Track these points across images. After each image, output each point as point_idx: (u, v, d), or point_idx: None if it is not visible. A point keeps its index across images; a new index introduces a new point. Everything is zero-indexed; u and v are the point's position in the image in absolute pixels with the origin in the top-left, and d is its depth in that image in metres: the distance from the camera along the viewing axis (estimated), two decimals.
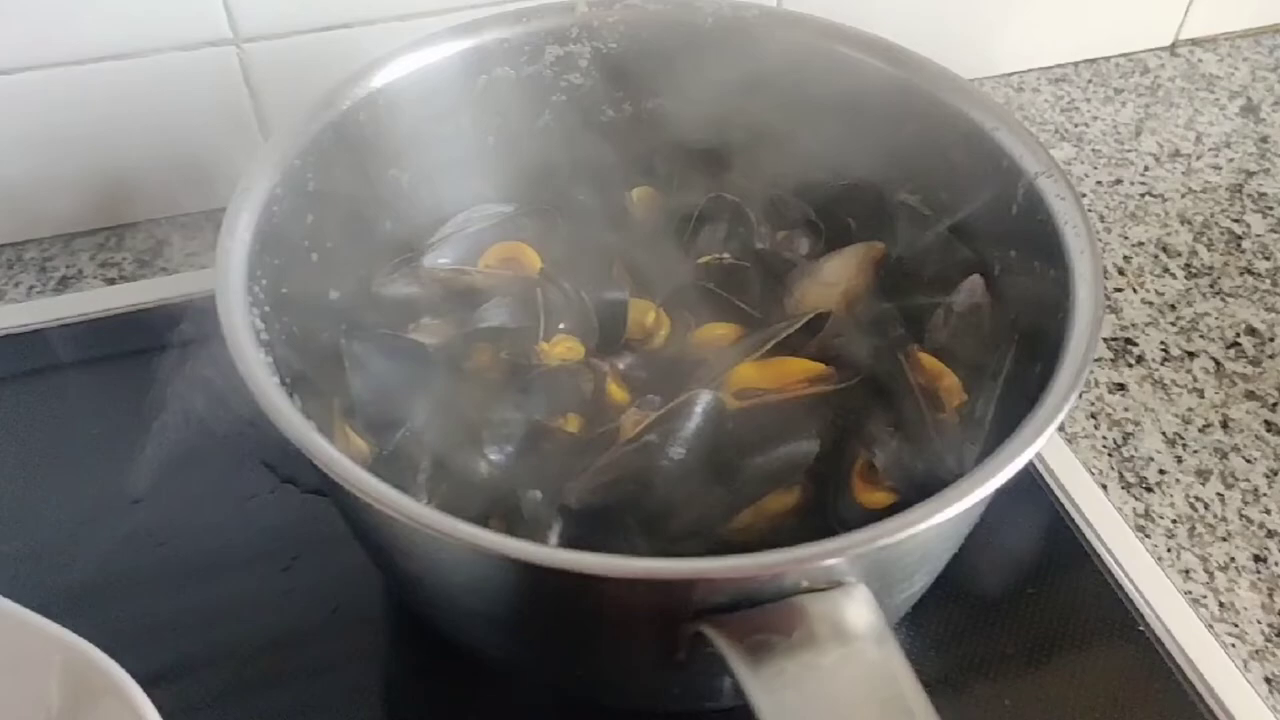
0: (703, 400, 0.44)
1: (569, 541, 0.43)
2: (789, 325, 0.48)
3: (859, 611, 0.35)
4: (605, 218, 0.57)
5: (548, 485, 0.45)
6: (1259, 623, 0.52)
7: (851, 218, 0.55)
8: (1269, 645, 0.51)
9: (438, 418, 0.48)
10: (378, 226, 0.55)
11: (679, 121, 0.58)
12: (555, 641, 0.42)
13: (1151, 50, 0.87)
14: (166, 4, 0.63)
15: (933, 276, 0.52)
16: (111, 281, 0.68)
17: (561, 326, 0.51)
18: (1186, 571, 0.54)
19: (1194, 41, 0.88)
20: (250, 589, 0.53)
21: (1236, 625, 0.52)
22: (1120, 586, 0.53)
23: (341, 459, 0.36)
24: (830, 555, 0.34)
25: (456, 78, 0.55)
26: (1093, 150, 0.79)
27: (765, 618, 0.34)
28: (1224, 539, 0.56)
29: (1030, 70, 0.85)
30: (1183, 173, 0.77)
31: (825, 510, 0.46)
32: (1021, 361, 0.47)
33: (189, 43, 0.65)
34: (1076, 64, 0.86)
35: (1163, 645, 0.51)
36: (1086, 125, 0.81)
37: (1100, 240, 0.72)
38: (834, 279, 0.52)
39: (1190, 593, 0.53)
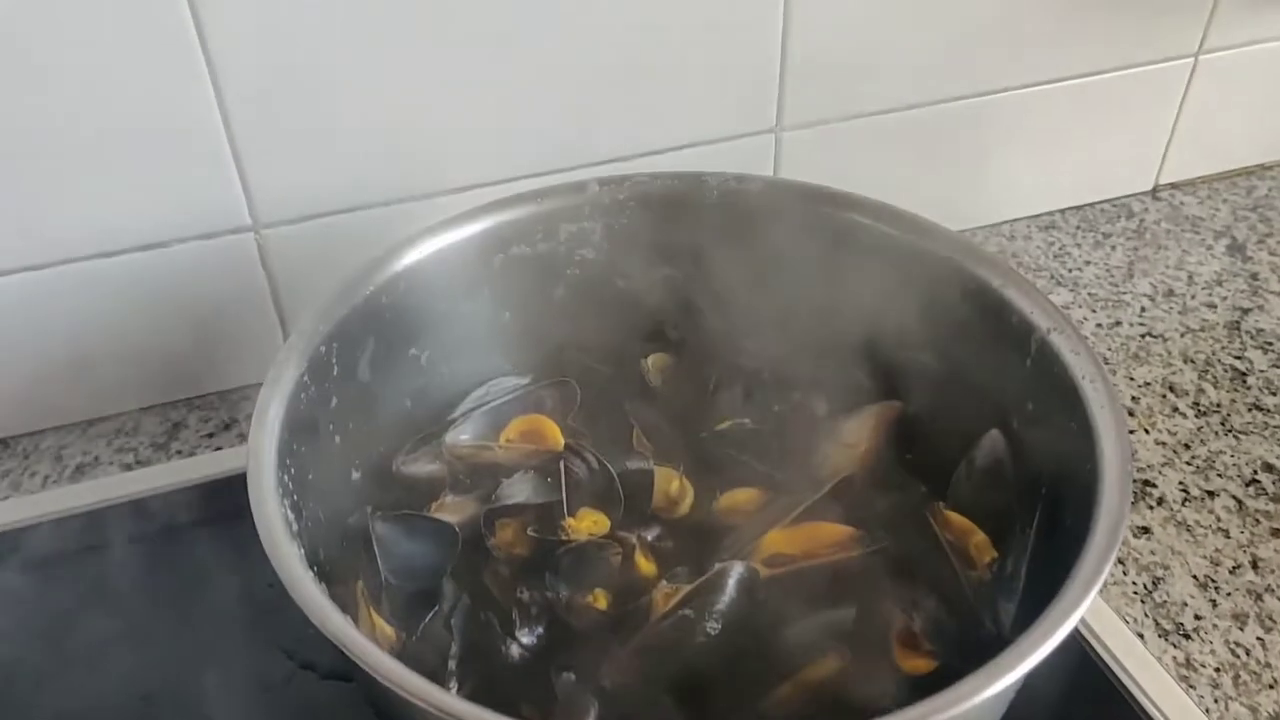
0: (736, 572, 0.44)
1: None
2: (815, 492, 0.48)
3: None
4: (623, 386, 0.58)
5: (581, 666, 0.45)
6: None
7: (866, 379, 0.56)
8: None
9: (465, 600, 0.48)
10: (398, 405, 0.56)
11: (690, 289, 0.60)
12: None
13: (1134, 195, 0.90)
14: (189, 194, 0.65)
15: (951, 433, 0.52)
16: (128, 467, 0.68)
17: (586, 500, 0.50)
18: None
19: (1174, 185, 0.91)
20: None
21: None
22: None
23: (375, 650, 0.36)
24: None
25: (475, 257, 0.57)
26: (1089, 294, 0.81)
27: None
28: (1270, 686, 0.55)
29: (1019, 219, 0.88)
30: (1179, 312, 0.79)
31: (865, 679, 0.45)
32: (1051, 515, 0.47)
33: (210, 231, 0.67)
34: (1063, 210, 0.89)
35: None
36: (1080, 270, 0.83)
37: None
38: (854, 440, 0.52)
39: None
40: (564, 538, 0.48)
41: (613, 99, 0.69)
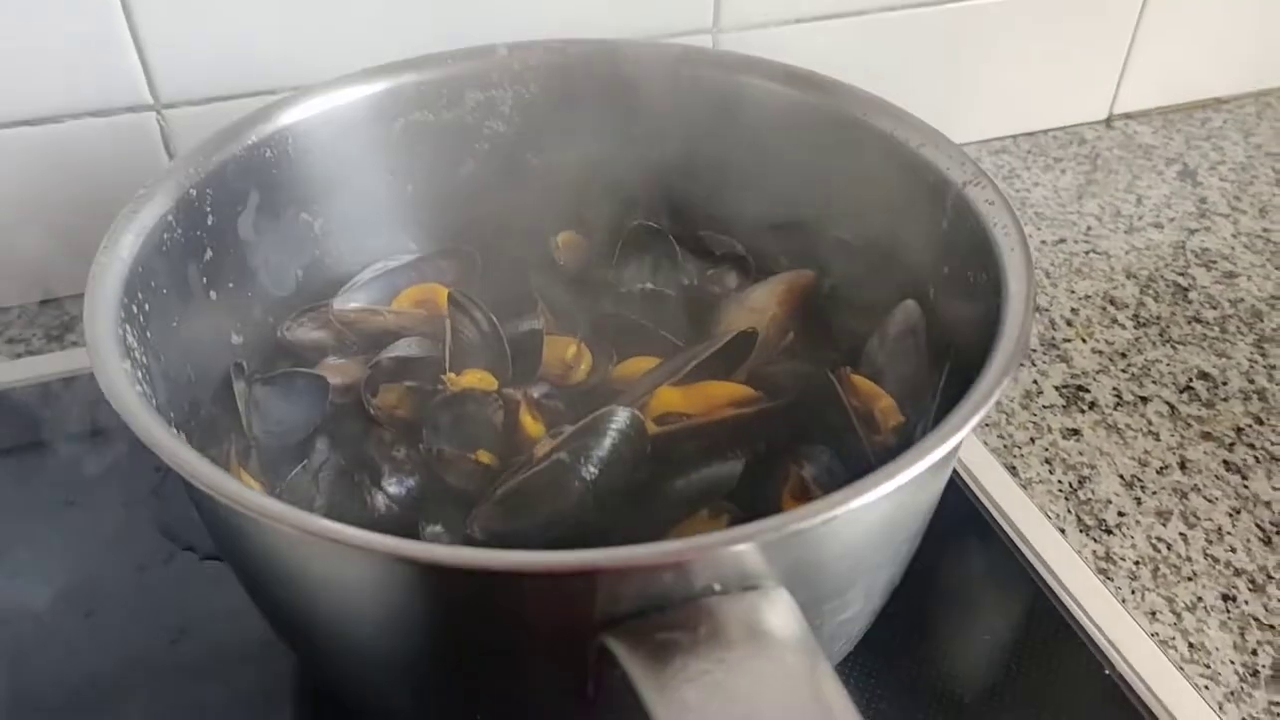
0: (619, 417, 0.41)
1: None
2: (712, 345, 0.45)
3: (778, 616, 0.31)
4: (529, 264, 0.55)
5: (451, 519, 0.42)
6: (1232, 663, 0.48)
7: (782, 254, 0.53)
8: (1244, 686, 0.47)
9: (337, 455, 0.45)
10: (287, 272, 0.53)
11: (605, 165, 0.57)
12: (452, 683, 0.37)
13: (1087, 124, 0.88)
14: (84, 68, 0.62)
15: (866, 304, 0.50)
16: (18, 356, 0.65)
17: (473, 361, 0.47)
18: (1153, 613, 0.51)
19: (1128, 115, 0.89)
20: (132, 665, 0.48)
21: (1209, 666, 0.48)
22: (1085, 630, 0.49)
23: (201, 462, 0.33)
24: (738, 541, 0.30)
25: (370, 121, 0.54)
26: (1035, 213, 0.78)
27: (671, 619, 0.30)
28: (1189, 579, 0.52)
29: (969, 143, 0.85)
30: (1125, 232, 0.76)
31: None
32: (956, 379, 0.44)
33: (108, 108, 0.64)
34: (1015, 136, 0.86)
35: (1133, 690, 0.47)
36: (1028, 191, 0.81)
37: (1046, 294, 0.71)
38: (762, 305, 0.49)
39: (1158, 634, 0.50)
40: (444, 389, 0.45)
41: None
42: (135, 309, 0.41)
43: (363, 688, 0.41)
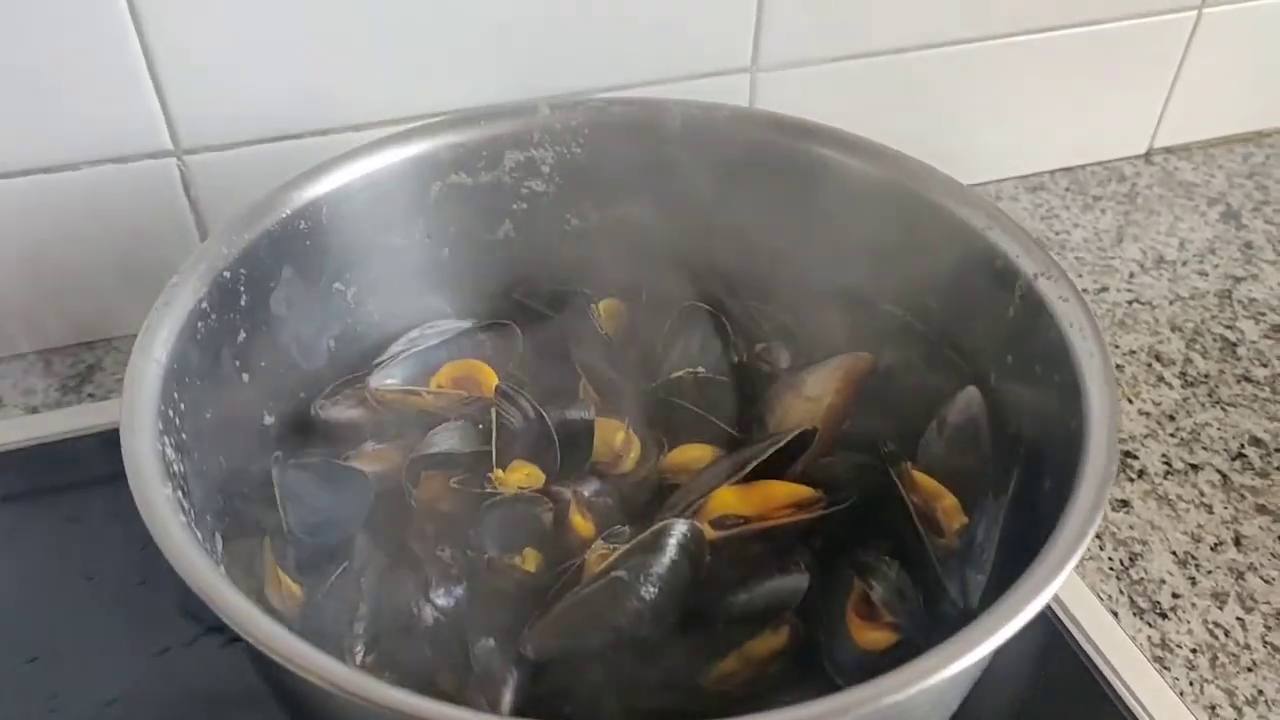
0: (677, 531, 0.39)
1: (527, 699, 0.38)
2: (771, 444, 0.44)
3: None
4: (570, 333, 0.53)
5: (502, 633, 0.40)
6: None
7: (836, 328, 0.51)
8: None
9: (378, 557, 0.43)
10: (319, 345, 0.51)
11: (649, 230, 0.55)
12: None
13: (1126, 159, 0.86)
14: (104, 114, 0.60)
15: (925, 389, 0.48)
16: (34, 410, 0.63)
17: (519, 452, 0.46)
18: (1213, 708, 0.49)
19: (1168, 150, 0.87)
20: None
21: None
22: None
23: (246, 606, 0.31)
24: (833, 716, 0.28)
25: (407, 185, 0.52)
26: (1076, 258, 0.76)
27: None
28: (1249, 669, 0.51)
29: (1006, 179, 0.83)
30: (1169, 279, 0.74)
31: (817, 652, 0.40)
32: (1028, 480, 0.42)
33: (127, 155, 0.61)
34: (1053, 172, 0.84)
35: None
36: (1068, 233, 0.79)
37: None
38: (817, 393, 0.48)
39: None
40: (491, 490, 0.43)
41: (567, 30, 0.64)
42: (172, 413, 0.39)
43: None
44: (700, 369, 0.49)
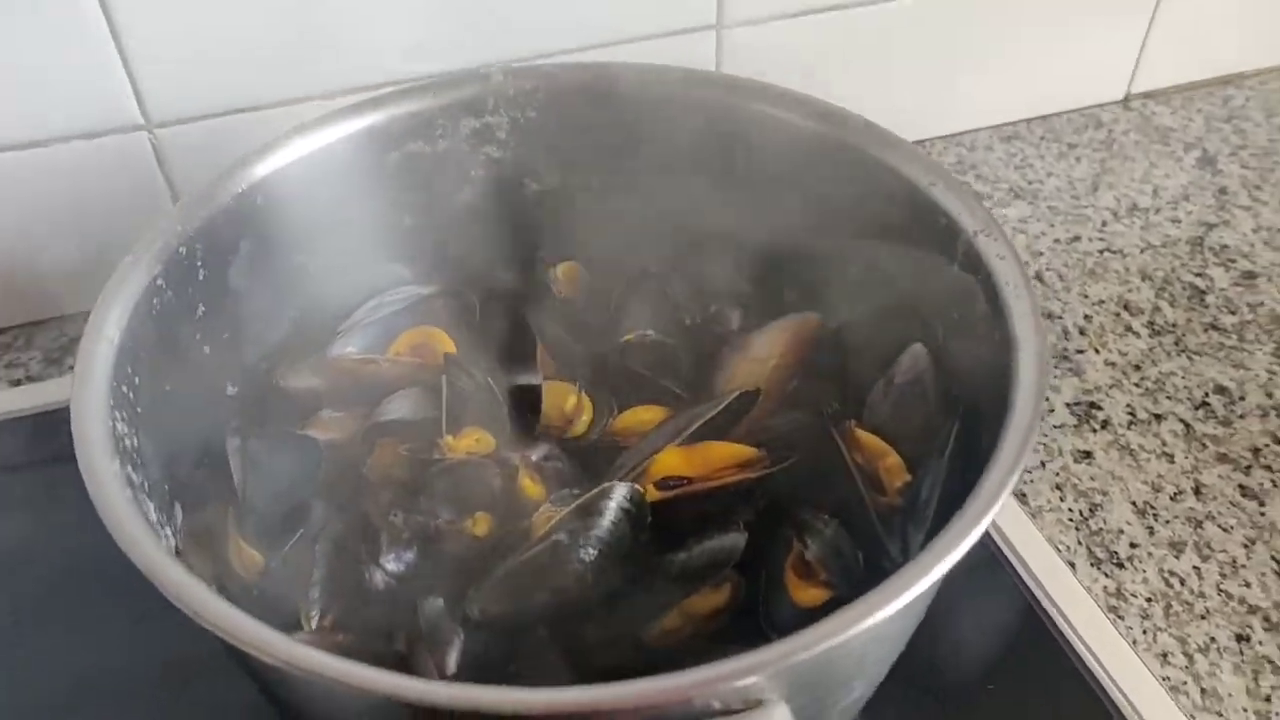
0: (618, 494, 0.40)
1: (472, 659, 0.39)
2: (714, 406, 0.45)
3: None
4: (527, 297, 0.54)
5: (451, 595, 0.42)
6: (1244, 710, 0.48)
7: (786, 287, 0.52)
8: None
9: (333, 523, 0.45)
10: (281, 316, 0.52)
11: (605, 192, 0.55)
12: None
13: (1104, 105, 0.85)
14: (73, 90, 0.60)
15: (872, 348, 0.48)
16: (17, 383, 0.64)
17: (470, 418, 0.47)
18: (1164, 655, 0.50)
19: (1146, 95, 0.86)
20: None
21: (1220, 715, 0.48)
22: (1093, 674, 0.49)
23: (190, 584, 0.32)
24: (741, 675, 0.30)
25: (364, 156, 0.52)
26: (1049, 207, 0.76)
27: None
28: (1203, 617, 0.52)
29: (981, 129, 0.83)
30: (1141, 227, 0.74)
31: (756, 609, 0.41)
32: (967, 437, 0.43)
33: (97, 129, 0.62)
34: (1029, 120, 0.84)
35: None
36: (1041, 182, 0.78)
37: (1060, 299, 0.69)
38: (765, 354, 0.48)
39: (1169, 679, 0.49)
40: (441, 456, 0.45)
41: None
42: (126, 389, 0.40)
43: None
44: (651, 332, 0.50)
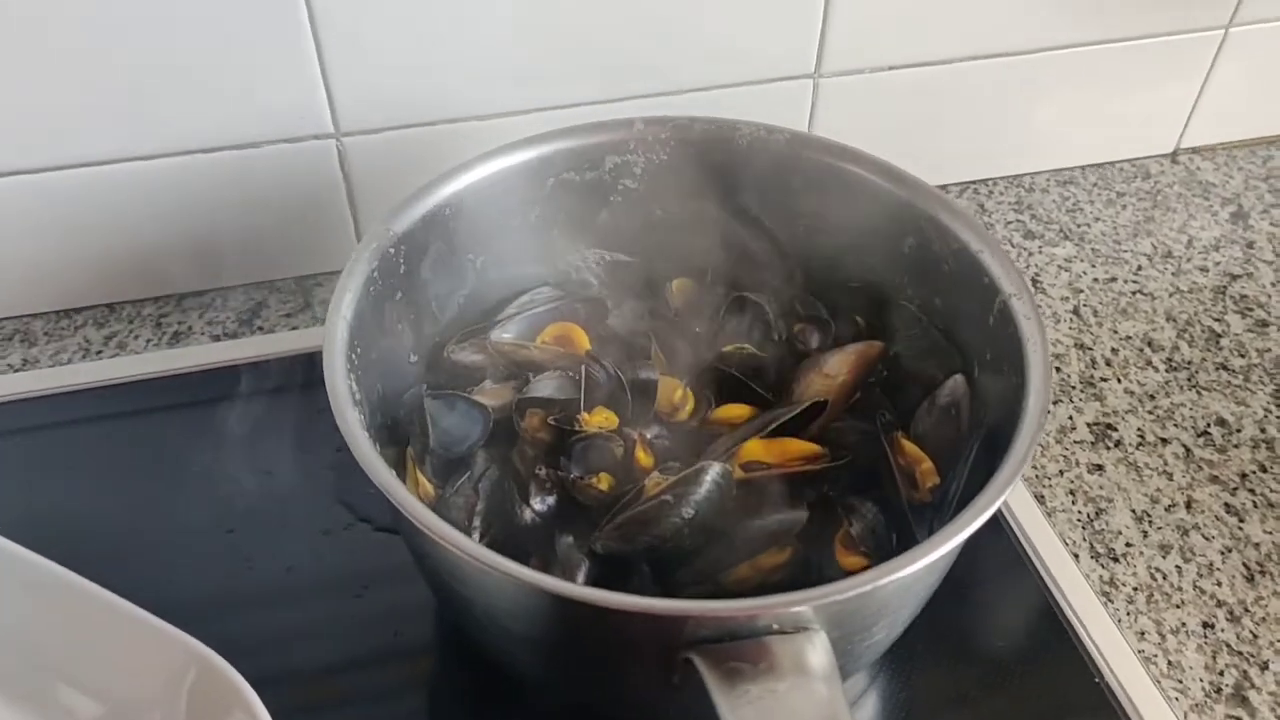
0: (713, 470, 0.53)
1: (593, 581, 0.53)
2: (790, 411, 0.57)
3: (816, 654, 0.43)
4: (647, 305, 0.67)
5: (579, 532, 0.55)
6: (1200, 680, 0.60)
7: (859, 316, 0.64)
8: (1207, 700, 0.59)
9: (493, 470, 0.58)
10: (453, 303, 0.65)
11: (717, 225, 0.68)
12: (575, 662, 0.51)
13: (1154, 157, 0.95)
14: (277, 103, 0.74)
15: (923, 373, 0.61)
16: (216, 339, 0.79)
17: (601, 400, 0.60)
18: (1142, 633, 0.62)
19: (1194, 150, 0.95)
20: (323, 614, 0.62)
21: (1181, 682, 0.59)
22: (1083, 644, 0.61)
23: (416, 502, 0.46)
24: (794, 604, 0.43)
25: (528, 180, 0.65)
26: (1092, 249, 0.87)
27: (741, 650, 0.43)
28: (1178, 606, 0.63)
29: (1040, 172, 0.93)
30: (1173, 273, 0.85)
31: (810, 568, 0.54)
32: (986, 451, 0.55)
33: (295, 136, 0.76)
34: (1084, 167, 0.94)
35: (1116, 698, 0.58)
36: (1089, 225, 0.89)
37: (1092, 332, 0.80)
38: (835, 372, 0.61)
39: (1143, 651, 0.60)
40: (578, 429, 0.58)
41: (646, 37, 0.77)
42: (354, 356, 0.54)
43: (503, 656, 0.55)
44: (746, 345, 0.63)
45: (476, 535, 0.55)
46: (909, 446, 0.58)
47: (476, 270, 0.66)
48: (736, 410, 0.61)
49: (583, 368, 0.60)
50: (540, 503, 0.56)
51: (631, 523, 0.53)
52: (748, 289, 0.67)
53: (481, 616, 0.52)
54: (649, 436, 0.59)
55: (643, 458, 0.58)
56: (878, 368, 0.62)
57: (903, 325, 0.63)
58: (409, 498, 0.47)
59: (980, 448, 0.55)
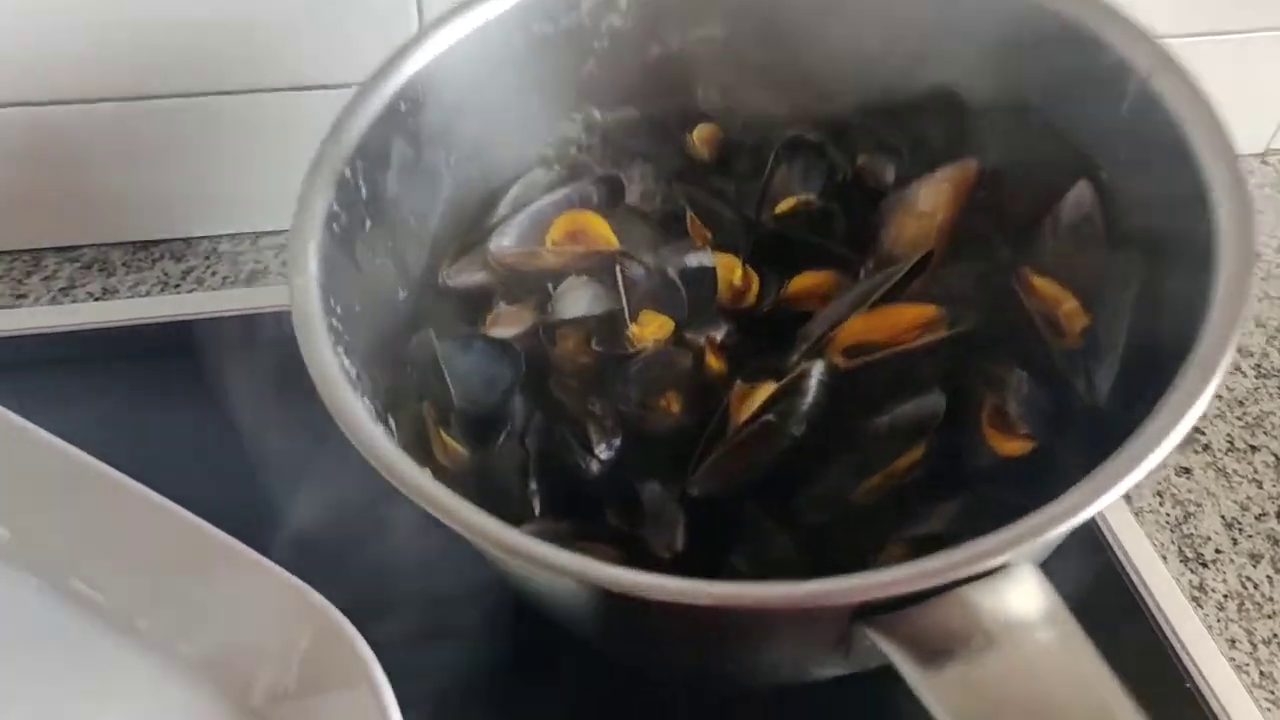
0: (816, 373, 0.42)
1: (696, 534, 0.42)
2: (895, 272, 0.45)
3: (1026, 596, 0.33)
4: (668, 167, 0.54)
5: (664, 475, 0.44)
6: None
7: (935, 132, 0.51)
8: None
9: (538, 416, 0.47)
10: (430, 214, 0.52)
11: (731, 45, 0.54)
12: (705, 659, 0.41)
13: (1244, 157, 0.81)
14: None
15: (1031, 189, 0.48)
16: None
17: (646, 303, 0.48)
18: (1233, 641, 0.55)
19: None
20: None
21: (1273, 693, 0.52)
22: (1172, 646, 0.52)
23: (444, 494, 0.35)
24: (996, 553, 0.32)
25: (493, 44, 0.51)
26: None
27: (929, 615, 0.32)
28: (1269, 617, 0.56)
29: None
30: (1261, 278, 0.74)
31: (954, 459, 0.43)
32: (1151, 274, 0.43)
33: None
34: None
35: (1207, 703, 0.50)
36: None
37: None
38: (930, 207, 0.48)
39: (1234, 659, 0.53)
40: (630, 349, 0.46)
41: None
42: (336, 322, 0.42)
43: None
44: (809, 197, 0.50)
45: (537, 504, 0.44)
46: (1042, 284, 0.46)
47: (451, 167, 0.52)
48: (815, 279, 0.49)
49: (616, 267, 0.48)
50: (605, 447, 0.45)
51: (732, 455, 0.42)
52: (786, 125, 0.53)
53: (562, 615, 0.41)
54: (717, 338, 0.47)
55: (715, 364, 0.46)
56: (978, 193, 0.49)
57: (993, 132, 0.50)
58: (439, 492, 0.35)
59: (1142, 268, 0.43)
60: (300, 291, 0.41)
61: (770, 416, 0.41)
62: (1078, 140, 0.47)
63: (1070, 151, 0.47)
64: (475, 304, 0.51)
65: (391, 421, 0.45)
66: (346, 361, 0.41)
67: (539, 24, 0.52)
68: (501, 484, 0.45)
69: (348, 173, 0.45)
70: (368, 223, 0.47)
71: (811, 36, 0.53)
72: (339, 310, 0.42)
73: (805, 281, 0.49)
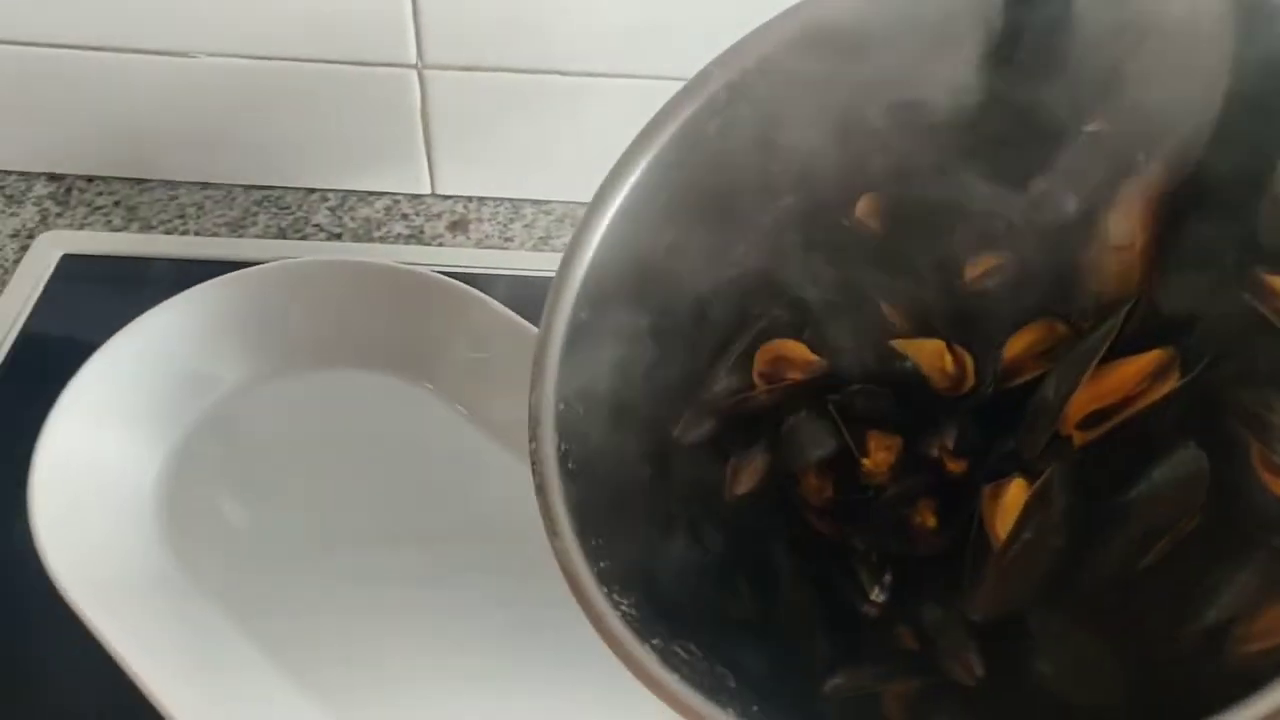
0: (1057, 479, 0.40)
1: (988, 657, 0.43)
2: (1110, 330, 0.42)
3: None
4: (840, 252, 0.53)
5: (934, 592, 0.45)
6: None
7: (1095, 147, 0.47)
8: None
9: (801, 563, 0.48)
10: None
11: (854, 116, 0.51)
12: None
13: None
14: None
15: (1235, 170, 0.43)
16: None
17: (865, 421, 0.48)
18: None
19: None
20: None
21: None
22: None
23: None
24: None
25: None
26: None
27: None
28: None
29: None
30: None
31: (1229, 513, 0.41)
32: None
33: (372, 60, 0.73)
34: None
35: None
36: None
37: None
38: (1126, 236, 0.45)
39: None
40: (868, 483, 0.47)
41: None
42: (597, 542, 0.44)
43: None
44: (994, 255, 0.48)
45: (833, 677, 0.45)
46: (1278, 283, 0.41)
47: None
48: (1031, 336, 0.46)
49: (829, 405, 0.48)
50: (879, 590, 0.46)
51: (1003, 581, 0.42)
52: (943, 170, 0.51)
53: None
54: (949, 445, 0.46)
55: (955, 468, 0.46)
56: (1173, 198, 0.45)
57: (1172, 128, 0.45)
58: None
59: None
60: (563, 554, 0.43)
61: (1027, 535, 0.41)
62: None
63: (1262, 116, 0.42)
64: (707, 460, 0.52)
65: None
66: (616, 598, 0.44)
67: None
68: (791, 635, 0.47)
69: (562, 407, 0.48)
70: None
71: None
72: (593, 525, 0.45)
73: (1022, 342, 0.47)
